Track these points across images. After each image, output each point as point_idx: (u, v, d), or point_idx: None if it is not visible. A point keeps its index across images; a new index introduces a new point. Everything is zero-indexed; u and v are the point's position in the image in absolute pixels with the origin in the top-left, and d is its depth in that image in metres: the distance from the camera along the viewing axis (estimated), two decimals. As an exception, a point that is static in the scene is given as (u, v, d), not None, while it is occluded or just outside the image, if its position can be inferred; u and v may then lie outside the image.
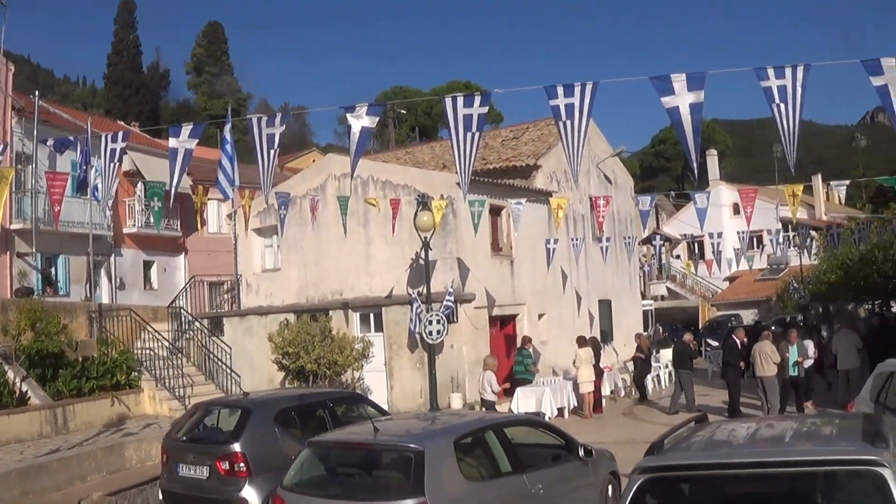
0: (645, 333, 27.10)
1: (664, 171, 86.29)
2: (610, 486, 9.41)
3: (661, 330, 38.59)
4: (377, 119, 9.57)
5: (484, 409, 17.14)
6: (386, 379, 19.73)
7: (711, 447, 5.35)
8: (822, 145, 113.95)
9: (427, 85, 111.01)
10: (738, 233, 24.23)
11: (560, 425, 12.44)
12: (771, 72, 8.66)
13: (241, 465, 9.22)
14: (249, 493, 9.14)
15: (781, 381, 17.25)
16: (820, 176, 55.77)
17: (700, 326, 43.81)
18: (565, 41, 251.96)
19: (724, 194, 50.93)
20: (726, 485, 4.91)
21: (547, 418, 18.00)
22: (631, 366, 23.17)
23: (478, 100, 9.34)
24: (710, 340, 37.23)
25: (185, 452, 9.74)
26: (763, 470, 4.78)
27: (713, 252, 24.10)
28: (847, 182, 19.76)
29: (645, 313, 32.71)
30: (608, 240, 23.85)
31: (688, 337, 20.73)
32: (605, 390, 21.46)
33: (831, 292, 34.48)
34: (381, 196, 20.04)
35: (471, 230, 18.63)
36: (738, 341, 18.47)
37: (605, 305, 26.61)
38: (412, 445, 7.19)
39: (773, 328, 26.12)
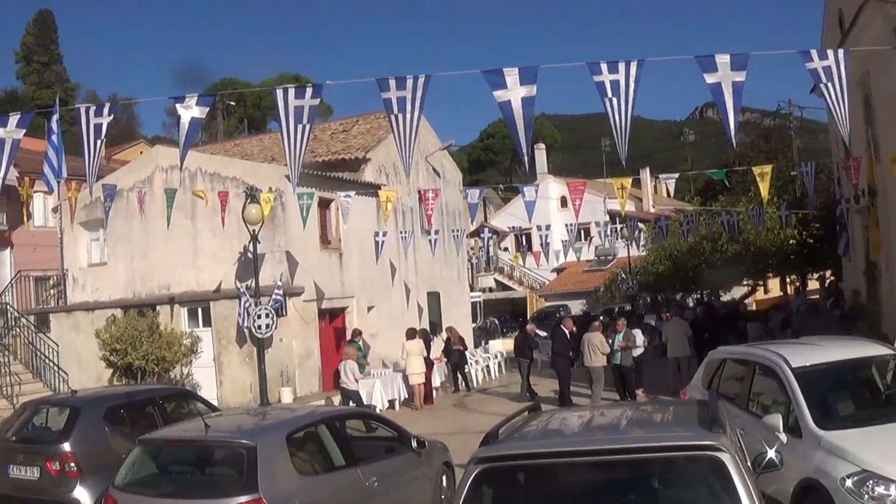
0: (478, 324, 28.41)
1: (493, 165, 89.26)
2: (444, 477, 9.80)
3: (494, 322, 40.35)
4: (206, 110, 9.66)
5: (348, 400, 17.68)
6: (215, 374, 19.86)
7: (547, 436, 5.49)
8: (650, 139, 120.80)
9: (257, 77, 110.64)
10: (566, 225, 25.83)
11: (391, 417, 13.03)
12: (604, 66, 9.16)
13: (72, 464, 9.29)
14: (81, 493, 9.21)
15: (617, 370, 18.69)
16: (648, 169, 60.36)
17: (528, 317, 46.07)
18: (396, 34, 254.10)
19: (552, 187, 53.58)
20: (563, 473, 5.00)
21: (378, 411, 18.69)
22: (444, 362, 24.10)
23: (309, 91, 9.50)
24: (538, 331, 39.37)
25: (14, 453, 9.77)
26: (600, 457, 4.90)
27: (541, 244, 25.58)
28: (675, 175, 21.42)
29: (474, 305, 34.06)
30: (437, 232, 24.86)
31: (530, 328, 21.95)
32: (436, 382, 22.46)
33: (659, 282, 37.50)
34: (210, 188, 20.05)
35: (300, 223, 19.00)
36: (566, 331, 19.76)
37: (434, 297, 27.61)
38: (244, 441, 7.35)
39: (601, 318, 28.23)
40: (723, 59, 9.24)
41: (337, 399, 19.09)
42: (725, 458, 4.66)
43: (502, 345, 33.03)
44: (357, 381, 17.98)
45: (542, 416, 6.07)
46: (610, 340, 18.64)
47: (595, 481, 4.99)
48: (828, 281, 31.80)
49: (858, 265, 21.74)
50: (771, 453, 6.15)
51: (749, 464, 5.59)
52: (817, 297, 27.61)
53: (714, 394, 6.49)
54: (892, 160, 15.79)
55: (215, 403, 16.17)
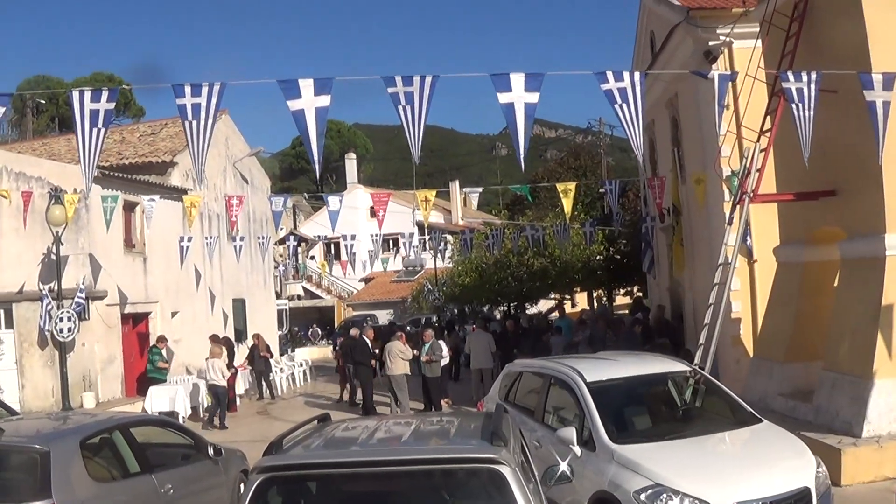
0: (284, 332, 28.47)
1: (304, 173, 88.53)
2: (241, 485, 9.91)
3: (296, 330, 40.37)
4: (3, 109, 9.23)
5: (213, 395, 19.07)
6: (17, 378, 19.63)
7: (331, 445, 5.58)
8: (463, 153, 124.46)
9: (72, 75, 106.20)
10: (373, 235, 26.45)
11: (192, 426, 13.01)
12: (399, 80, 9.36)
13: None
14: None
15: (427, 380, 19.29)
16: (458, 182, 62.16)
17: (336, 326, 46.37)
18: (201, 39, 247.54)
19: (362, 197, 54.28)
20: (346, 483, 5.12)
21: (181, 418, 18.82)
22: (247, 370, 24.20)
23: (105, 95, 9.32)
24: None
25: None
26: (379, 468, 5.04)
27: (348, 253, 26.06)
28: (481, 189, 22.34)
29: (280, 312, 34.08)
30: (242, 239, 24.95)
31: (354, 331, 21.71)
32: (240, 389, 22.66)
33: (466, 294, 38.73)
34: (15, 188, 19.65)
35: (104, 226, 19.02)
36: (368, 341, 20.31)
37: (239, 304, 27.57)
38: (37, 446, 7.44)
39: (408, 328, 28.88)
40: (517, 79, 9.31)
41: (140, 405, 19.25)
42: (505, 470, 4.82)
43: (308, 353, 33.29)
44: (225, 377, 19.14)
45: (331, 426, 6.21)
46: (416, 351, 19.28)
47: (377, 492, 5.13)
48: (634, 297, 34.03)
49: (663, 282, 23.06)
50: (563, 466, 6.33)
51: (537, 476, 5.94)
52: (626, 312, 29.56)
53: (500, 406, 6.60)
54: (695, 181, 17.04)
55: (16, 407, 16.38)
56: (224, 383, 19.31)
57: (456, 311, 43.54)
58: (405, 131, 9.48)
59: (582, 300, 45.35)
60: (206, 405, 20.40)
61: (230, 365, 20.83)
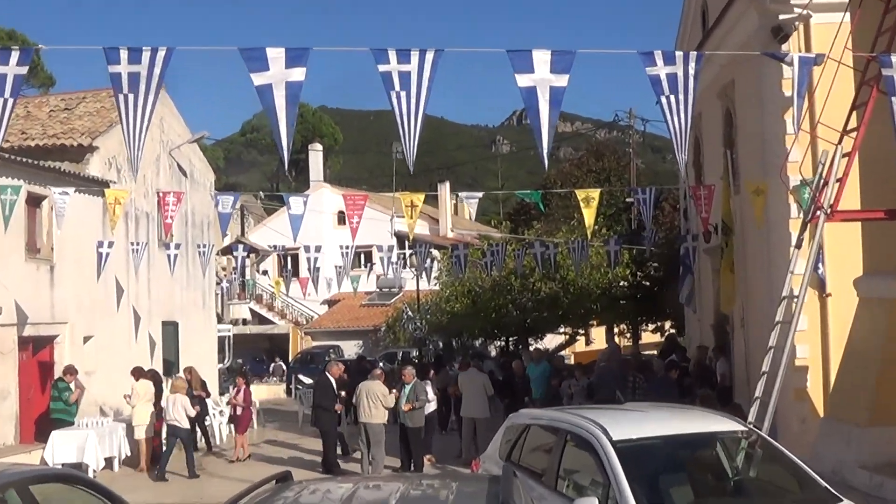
0: (225, 365, 28.28)
1: (256, 166, 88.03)
2: None
3: (241, 362, 40.13)
4: None
5: (176, 440, 19.43)
6: None
7: None
8: (455, 148, 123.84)
9: None
10: (342, 247, 26.33)
11: (107, 481, 12.77)
12: (393, 55, 9.33)
13: None
14: None
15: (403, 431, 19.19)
16: (448, 185, 62.34)
17: (291, 359, 46.22)
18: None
19: (328, 199, 54.45)
20: None
21: (92, 472, 18.54)
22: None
23: (15, 56, 9.26)
24: (302, 377, 39.76)
25: None
26: None
27: (309, 269, 25.96)
28: (480, 194, 22.11)
29: (221, 340, 33.90)
30: (178, 246, 24.76)
31: (336, 369, 21.76)
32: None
33: (455, 324, 38.67)
34: None
35: (0, 224, 18.39)
36: (332, 379, 20.10)
37: (170, 329, 27.46)
38: None
39: (381, 364, 28.76)
40: (542, 58, 9.33)
41: (39, 454, 18.82)
42: None
43: (256, 392, 33.04)
44: (189, 417, 19.51)
45: (294, 489, 6.13)
46: (396, 393, 19.16)
47: None
48: (666, 333, 34.00)
49: (706, 317, 23.00)
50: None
51: None
52: (654, 352, 29.52)
53: (511, 468, 6.58)
54: (753, 192, 16.84)
55: None
56: (188, 425, 19.74)
57: (441, 344, 43.49)
58: (398, 124, 9.39)
59: (599, 336, 45.40)
60: (124, 454, 20.19)
61: (157, 405, 20.58)
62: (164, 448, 19.97)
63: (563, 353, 41.66)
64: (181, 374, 22.79)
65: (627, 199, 39.91)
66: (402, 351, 42.13)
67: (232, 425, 23.04)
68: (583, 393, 20.28)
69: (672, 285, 25.62)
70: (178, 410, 19.46)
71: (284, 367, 43.84)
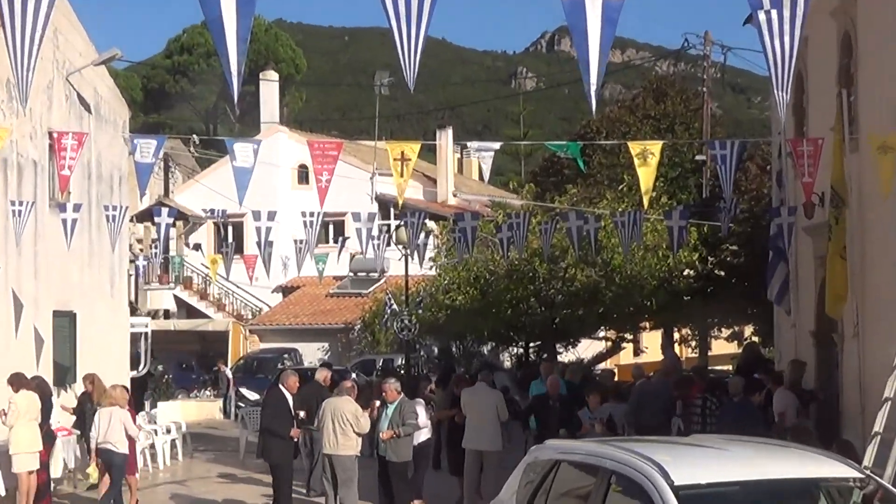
0: (141, 372, 28.23)
1: (185, 100, 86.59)
2: None
3: (160, 370, 40.13)
4: None
5: (111, 468, 19.64)
6: None
7: None
8: (461, 82, 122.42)
9: None
10: (305, 215, 26.13)
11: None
12: None
13: None
14: None
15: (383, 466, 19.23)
16: (451, 132, 61.92)
17: (229, 364, 46.18)
18: None
19: (285, 148, 54.67)
20: None
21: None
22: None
23: None
24: (245, 391, 39.76)
25: None
26: None
27: (259, 243, 25.71)
28: (495, 146, 21.88)
29: (135, 339, 33.75)
30: (78, 209, 24.51)
31: (323, 374, 22.05)
32: (57, 468, 22.20)
33: (456, 323, 38.68)
34: None
35: None
36: (287, 394, 20.05)
37: (65, 321, 27.37)
38: None
39: (353, 376, 28.63)
40: None
41: None
42: None
43: (182, 410, 33.08)
44: (132, 437, 20.08)
45: None
46: (373, 413, 19.24)
47: None
48: (745, 342, 33.99)
49: (803, 322, 22.94)
50: None
51: None
52: (728, 367, 29.50)
53: None
54: (879, 148, 16.72)
55: None
56: (126, 450, 19.87)
57: (436, 350, 43.36)
58: (393, 33, 9.44)
59: (653, 344, 45.45)
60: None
61: (43, 426, 20.51)
62: (110, 484, 19.88)
63: (603, 365, 41.88)
64: (36, 384, 22.57)
65: (698, 157, 39.75)
66: (384, 358, 42.19)
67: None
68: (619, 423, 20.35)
69: (757, 276, 25.61)
70: (118, 430, 19.45)
71: (230, 376, 43.79)
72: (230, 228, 48.94)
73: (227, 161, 23.18)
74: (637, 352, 48.01)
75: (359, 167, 52.77)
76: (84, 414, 23.46)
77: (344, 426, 18.50)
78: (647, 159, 18.82)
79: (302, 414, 20.37)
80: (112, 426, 19.46)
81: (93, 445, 19.93)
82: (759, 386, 19.56)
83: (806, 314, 22.85)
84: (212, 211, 40.56)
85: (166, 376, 41.18)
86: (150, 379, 36.54)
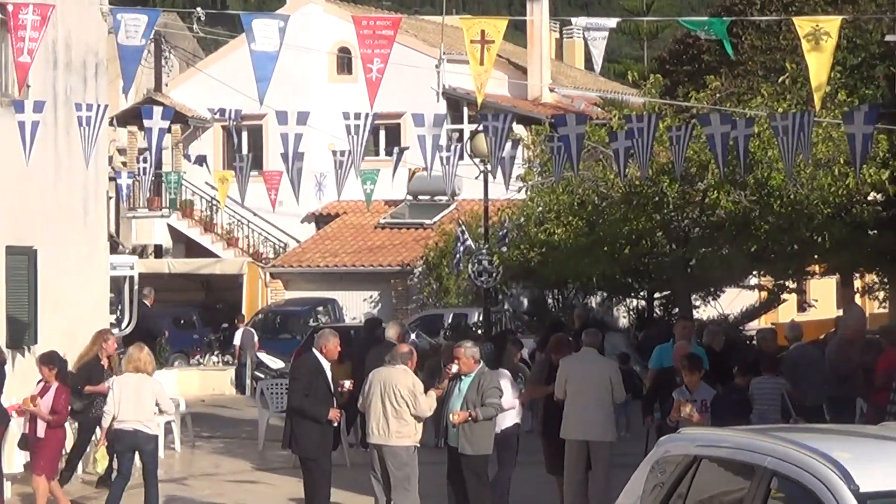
0: (124, 330, 28.54)
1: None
2: None
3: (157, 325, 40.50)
4: None
5: (133, 455, 20.20)
6: None
7: None
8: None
9: None
10: (348, 116, 26.05)
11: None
12: None
13: None
14: None
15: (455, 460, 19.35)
16: (546, 4, 61.12)
17: (245, 322, 46.50)
18: None
19: (320, 24, 55.09)
20: None
21: None
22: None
23: None
24: (265, 356, 40.05)
25: None
26: None
27: (286, 157, 25.74)
28: (611, 23, 21.88)
29: (116, 283, 34.02)
30: (40, 107, 24.69)
31: (405, 351, 21.68)
32: (11, 461, 22.54)
33: (555, 266, 38.66)
34: None
35: None
36: (324, 362, 19.95)
37: (21, 261, 27.84)
38: None
39: (412, 337, 28.72)
40: None
41: None
42: None
43: (180, 383, 33.34)
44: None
45: None
46: (440, 391, 19.35)
47: None
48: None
49: None
50: None
51: None
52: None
53: None
54: None
55: None
56: (156, 431, 20.80)
57: (526, 302, 43.40)
58: None
59: (826, 295, 45.25)
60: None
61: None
62: (115, 473, 20.47)
63: (756, 324, 41.82)
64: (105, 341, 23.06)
65: (888, 37, 39.34)
66: (454, 313, 42.38)
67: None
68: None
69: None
70: (143, 405, 19.80)
71: (252, 336, 44.05)
72: (245, 135, 49.25)
73: (242, 43, 23.13)
74: (802, 306, 47.83)
75: (421, 52, 52.84)
76: (83, 383, 23.68)
77: (398, 407, 18.63)
78: (819, 41, 18.73)
79: (348, 385, 20.40)
80: (141, 400, 19.72)
81: (104, 424, 20.20)
82: None
83: None
84: (220, 111, 40.81)
85: (161, 336, 41.41)
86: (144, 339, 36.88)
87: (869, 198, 33.26)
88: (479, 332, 34.86)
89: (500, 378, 20.25)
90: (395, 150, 40.85)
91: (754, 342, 29.95)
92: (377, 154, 47.95)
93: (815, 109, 23.52)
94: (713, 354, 22.68)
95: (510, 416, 20.50)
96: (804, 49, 18.80)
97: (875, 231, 33.58)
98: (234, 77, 42.98)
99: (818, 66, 18.80)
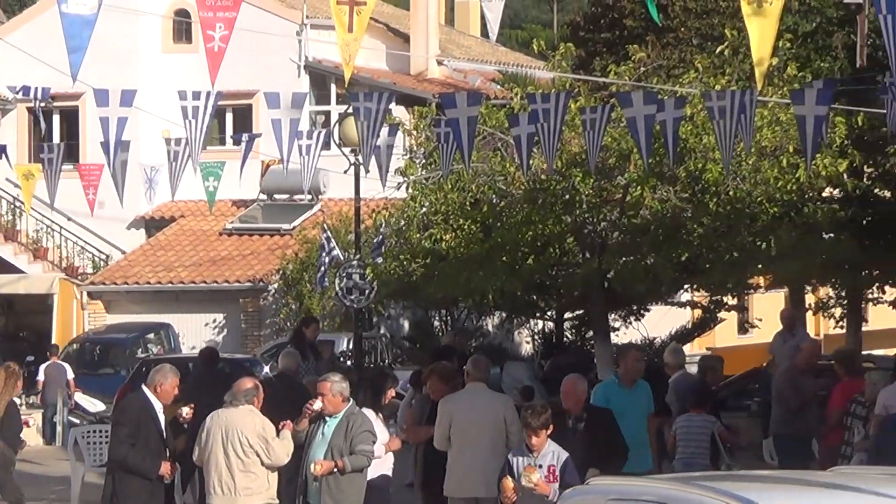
0: None
1: None
2: None
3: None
4: None
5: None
6: None
7: None
8: None
9: None
10: (185, 95, 26.02)
11: None
12: None
13: None
14: None
15: None
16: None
17: (58, 353, 46.31)
18: None
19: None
20: None
21: None
22: None
23: None
24: (81, 398, 40.07)
25: None
26: None
27: (107, 147, 25.70)
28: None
29: None
30: None
31: (248, 386, 21.71)
32: None
33: (441, 280, 38.61)
34: None
35: None
36: (155, 403, 20.03)
37: None
38: None
39: (266, 370, 28.72)
40: None
41: None
42: None
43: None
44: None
45: None
46: (294, 428, 19.35)
47: None
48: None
49: None
50: None
51: None
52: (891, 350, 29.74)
53: None
54: None
55: None
56: None
57: (407, 325, 43.73)
58: None
59: (770, 311, 45.81)
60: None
61: None
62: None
63: (691, 349, 42.26)
64: None
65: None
66: (319, 339, 42.51)
67: None
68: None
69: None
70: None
71: (67, 373, 43.84)
72: (57, 119, 49.13)
73: (51, 4, 23.12)
74: (744, 326, 48.40)
75: (279, 15, 52.91)
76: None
77: (246, 457, 18.68)
78: (762, 4, 18.96)
79: (186, 412, 20.32)
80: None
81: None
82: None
83: None
84: (24, 89, 40.45)
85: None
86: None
87: (824, 194, 33.57)
88: (350, 363, 34.86)
89: (374, 420, 20.32)
90: (245, 137, 41.04)
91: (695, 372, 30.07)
92: (223, 143, 48.17)
93: (758, 87, 23.76)
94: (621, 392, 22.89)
95: (382, 465, 20.63)
96: (744, 13, 19.01)
97: (831, 235, 33.91)
98: (43, 47, 42.90)
99: (761, 34, 18.97)
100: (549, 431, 18.09)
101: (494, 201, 36.36)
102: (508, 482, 17.36)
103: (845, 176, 33.15)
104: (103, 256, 56.02)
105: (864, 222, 33.78)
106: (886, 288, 38.70)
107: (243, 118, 49.73)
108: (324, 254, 43.69)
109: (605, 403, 21.49)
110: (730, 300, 42.43)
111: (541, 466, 17.67)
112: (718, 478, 12.10)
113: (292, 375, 25.58)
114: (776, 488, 10.42)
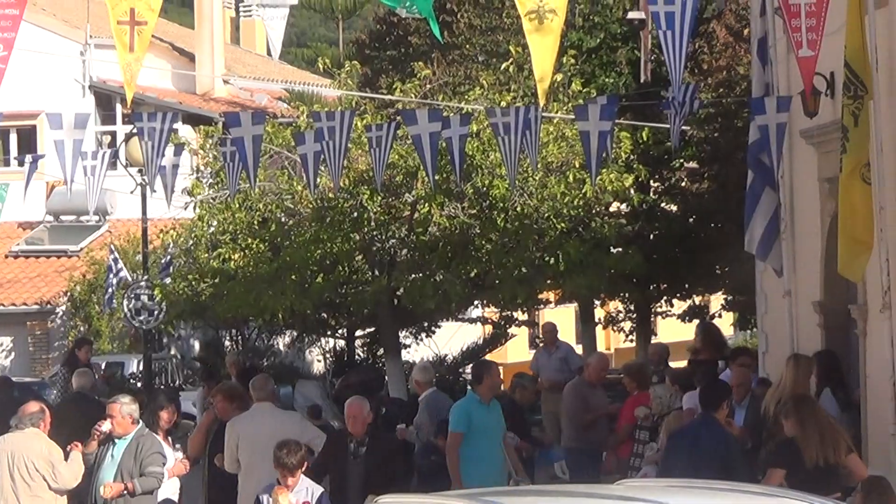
0: None
1: None
2: None
3: None
4: None
5: None
6: None
7: None
8: None
9: None
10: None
11: None
12: None
13: None
14: None
15: None
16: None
17: None
18: None
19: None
20: None
21: None
22: None
23: None
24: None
25: None
26: None
27: None
28: (286, 6, 22.03)
29: None
30: None
31: (34, 410, 21.34)
32: None
33: (231, 300, 38.14)
34: None
35: None
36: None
37: None
38: None
39: (54, 394, 28.46)
40: None
41: None
42: None
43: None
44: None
45: None
46: (82, 449, 19.25)
47: None
48: (702, 323, 34.51)
49: (804, 288, 23.52)
50: None
51: None
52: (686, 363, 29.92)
53: None
54: None
55: None
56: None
57: (197, 345, 43.44)
58: None
59: (563, 324, 45.99)
60: None
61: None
62: None
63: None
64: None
65: (631, 14, 40.10)
66: (107, 361, 42.11)
67: None
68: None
69: (729, 212, 25.99)
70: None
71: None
72: None
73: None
74: (535, 342, 48.55)
75: (63, 35, 52.45)
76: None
77: (32, 481, 18.52)
78: (543, 20, 19.00)
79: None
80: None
81: None
82: (725, 394, 19.75)
83: (807, 274, 23.40)
84: None
85: None
86: None
87: (611, 209, 33.83)
88: (139, 385, 34.60)
89: (163, 442, 20.31)
90: (29, 158, 40.68)
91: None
92: (7, 164, 47.52)
93: (541, 104, 23.84)
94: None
95: (170, 488, 20.47)
96: (525, 30, 19.06)
97: (618, 249, 34.17)
98: None
99: (542, 50, 19.00)
100: (303, 469, 17.78)
101: (282, 220, 36.21)
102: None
103: (632, 191, 33.47)
104: None
105: (651, 236, 34.07)
106: (674, 301, 38.91)
107: (28, 139, 49.28)
108: (111, 275, 43.36)
109: (467, 421, 21.49)
110: (520, 315, 42.54)
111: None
112: (505, 493, 12.28)
113: (88, 393, 25.33)
114: (559, 502, 10.55)
